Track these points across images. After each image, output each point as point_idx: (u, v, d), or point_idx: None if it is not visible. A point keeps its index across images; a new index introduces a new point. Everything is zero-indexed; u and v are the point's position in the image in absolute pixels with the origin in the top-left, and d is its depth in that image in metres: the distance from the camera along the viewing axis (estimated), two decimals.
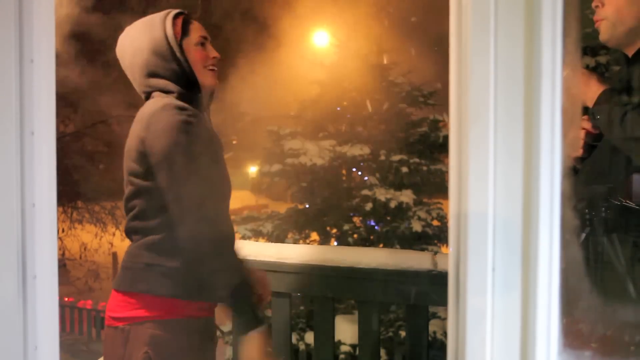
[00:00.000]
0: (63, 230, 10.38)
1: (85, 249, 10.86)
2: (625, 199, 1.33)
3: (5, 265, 0.97)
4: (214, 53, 1.50)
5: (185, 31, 1.47)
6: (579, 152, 1.45)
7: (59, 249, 10.08)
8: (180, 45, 1.44)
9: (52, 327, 1.01)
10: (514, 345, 0.74)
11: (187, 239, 1.27)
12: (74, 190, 9.46)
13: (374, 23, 6.39)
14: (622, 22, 1.39)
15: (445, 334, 5.34)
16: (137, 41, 1.46)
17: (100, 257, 11.38)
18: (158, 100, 1.40)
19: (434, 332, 5.42)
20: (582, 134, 1.43)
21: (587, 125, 1.43)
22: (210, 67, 1.49)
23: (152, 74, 1.45)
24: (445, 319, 5.57)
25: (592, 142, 1.44)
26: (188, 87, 1.44)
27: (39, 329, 0.99)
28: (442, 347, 5.29)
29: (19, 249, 0.98)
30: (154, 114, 1.36)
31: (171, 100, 1.39)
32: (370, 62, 6.57)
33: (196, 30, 1.48)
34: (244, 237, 6.22)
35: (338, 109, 6.69)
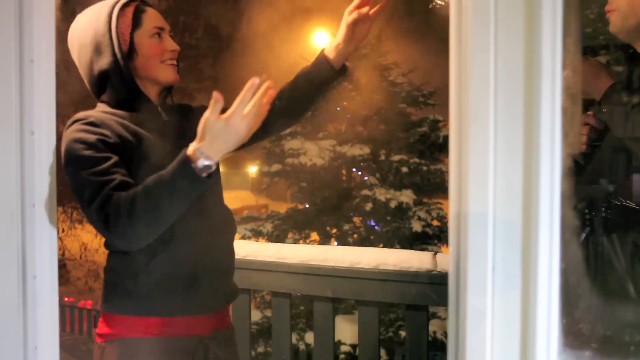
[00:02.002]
0: (63, 230, 10.38)
1: (85, 249, 10.86)
2: (625, 199, 1.33)
3: (5, 265, 0.97)
4: (172, 45, 1.31)
5: (137, 22, 1.28)
6: (582, 147, 1.43)
7: (59, 249, 10.08)
8: (130, 39, 1.27)
9: (52, 327, 1.01)
10: (514, 345, 0.74)
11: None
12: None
13: (374, 23, 6.38)
14: (634, 13, 1.35)
15: (445, 334, 5.35)
16: (83, 35, 1.29)
17: (100, 257, 11.38)
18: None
19: (434, 332, 5.42)
20: (586, 129, 1.42)
21: (592, 120, 1.41)
22: (169, 62, 1.31)
23: (99, 75, 1.28)
24: (445, 319, 5.57)
25: (596, 139, 1.42)
26: (128, 90, 1.28)
27: (39, 329, 0.99)
28: (442, 347, 5.29)
29: (19, 249, 0.98)
30: (63, 142, 1.21)
31: (80, 114, 1.23)
32: (370, 62, 6.57)
33: (150, 20, 1.30)
34: (243, 237, 6.23)
35: (338, 109, 6.70)
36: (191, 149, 1.09)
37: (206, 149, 1.08)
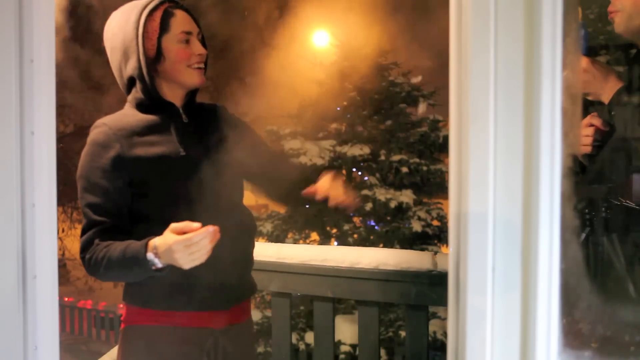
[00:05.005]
0: (63, 230, 10.37)
1: None
2: (625, 199, 1.33)
3: (5, 265, 0.97)
4: (199, 49, 1.32)
5: (164, 26, 1.29)
6: (588, 149, 1.41)
7: (59, 249, 10.07)
8: (158, 43, 1.29)
9: (52, 327, 1.01)
10: (514, 345, 0.74)
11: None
12: (74, 190, 9.43)
13: (374, 23, 6.39)
14: (639, 13, 1.34)
15: (445, 334, 5.34)
16: (114, 38, 1.32)
17: None
18: None
19: (434, 332, 5.42)
20: (591, 130, 1.39)
21: (597, 121, 1.39)
22: (196, 66, 1.32)
23: (127, 75, 1.33)
24: (445, 319, 5.57)
25: (601, 140, 1.39)
26: (151, 95, 1.31)
27: (39, 329, 0.99)
28: (442, 347, 5.29)
29: (19, 249, 0.98)
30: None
31: (100, 121, 1.31)
32: (370, 62, 6.56)
33: (178, 25, 1.30)
34: None
35: (338, 109, 6.69)
36: (152, 240, 1.18)
37: (159, 246, 1.16)
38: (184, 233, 1.14)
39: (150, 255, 1.17)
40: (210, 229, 1.13)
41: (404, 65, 6.77)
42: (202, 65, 1.34)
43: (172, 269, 1.20)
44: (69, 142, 9.38)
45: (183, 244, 1.12)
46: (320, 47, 7.16)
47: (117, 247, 1.22)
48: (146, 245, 1.18)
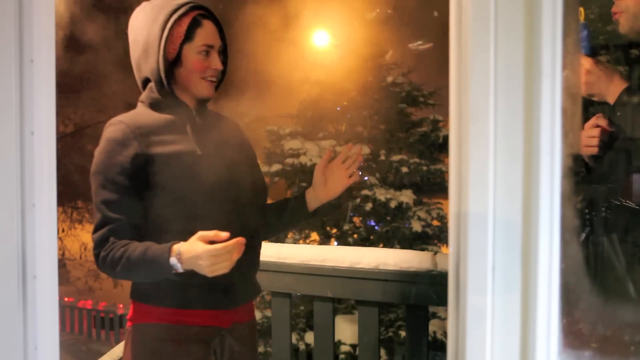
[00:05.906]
0: (63, 230, 10.39)
1: (85, 249, 10.86)
2: (625, 199, 1.33)
3: (5, 265, 0.97)
4: (216, 64, 1.34)
5: (189, 35, 1.31)
6: (594, 150, 1.40)
7: (59, 249, 10.09)
8: (180, 49, 1.31)
9: (52, 327, 1.01)
10: (514, 345, 0.74)
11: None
12: (74, 190, 9.47)
13: (374, 23, 6.39)
14: None
15: (445, 334, 5.35)
16: (139, 32, 1.33)
17: None
18: None
19: (434, 332, 5.42)
20: (597, 132, 1.37)
21: (603, 122, 1.37)
22: (209, 78, 1.35)
23: (143, 75, 1.35)
24: (445, 319, 5.57)
25: (607, 141, 1.38)
26: (166, 96, 1.34)
27: (39, 329, 0.99)
28: (442, 347, 5.29)
29: (19, 249, 0.98)
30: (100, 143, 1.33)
31: (115, 119, 1.33)
32: (370, 62, 6.57)
33: (203, 37, 1.32)
34: None
35: (338, 109, 6.70)
36: (176, 246, 1.19)
37: (184, 252, 1.18)
38: (211, 241, 1.16)
39: (173, 260, 1.18)
40: (241, 241, 1.16)
41: (404, 64, 6.78)
42: (214, 79, 1.36)
43: (191, 274, 1.21)
44: (69, 142, 9.39)
45: (212, 253, 1.14)
46: (320, 47, 7.16)
47: (136, 248, 1.22)
48: (170, 249, 1.19)
